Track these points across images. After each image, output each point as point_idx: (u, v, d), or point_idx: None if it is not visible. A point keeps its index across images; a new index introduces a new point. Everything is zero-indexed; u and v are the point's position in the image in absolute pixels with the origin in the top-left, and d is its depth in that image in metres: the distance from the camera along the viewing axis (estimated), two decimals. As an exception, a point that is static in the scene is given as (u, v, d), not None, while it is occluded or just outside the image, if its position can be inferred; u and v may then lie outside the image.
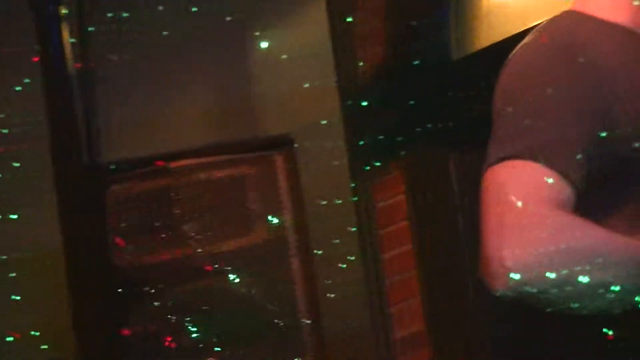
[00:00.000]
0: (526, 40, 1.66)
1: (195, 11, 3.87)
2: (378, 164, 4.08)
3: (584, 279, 1.40)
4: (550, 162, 1.46)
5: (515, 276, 1.39)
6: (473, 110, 3.51)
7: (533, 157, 1.47)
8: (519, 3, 3.77)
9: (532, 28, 3.59)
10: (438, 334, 3.89)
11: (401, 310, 4.03)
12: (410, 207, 3.98)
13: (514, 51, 1.66)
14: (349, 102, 4.02)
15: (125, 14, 3.84)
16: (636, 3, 1.69)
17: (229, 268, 4.13)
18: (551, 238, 1.41)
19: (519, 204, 1.43)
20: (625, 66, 1.61)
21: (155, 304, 4.08)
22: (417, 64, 3.89)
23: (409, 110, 3.85)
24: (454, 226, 3.81)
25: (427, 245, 3.92)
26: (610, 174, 1.54)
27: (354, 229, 4.07)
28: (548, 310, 1.45)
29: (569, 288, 1.40)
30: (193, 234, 4.22)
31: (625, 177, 1.55)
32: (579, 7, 1.69)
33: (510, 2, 3.81)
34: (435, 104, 3.81)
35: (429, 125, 3.81)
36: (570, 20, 1.67)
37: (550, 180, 1.45)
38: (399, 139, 3.93)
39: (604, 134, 1.53)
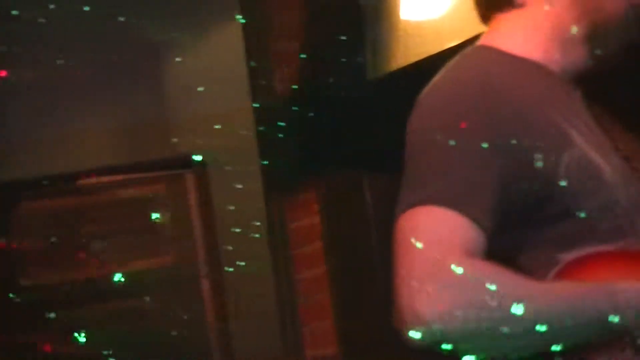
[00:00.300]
0: (436, 79, 1.62)
1: (109, 29, 3.83)
2: (292, 183, 4.06)
3: (497, 328, 1.40)
4: (460, 208, 1.45)
5: (428, 326, 1.38)
6: (388, 131, 3.51)
7: (443, 203, 1.46)
8: (435, 24, 3.77)
9: (449, 50, 3.61)
10: (350, 357, 3.87)
11: (314, 331, 4.01)
12: (325, 227, 3.96)
13: (424, 91, 1.61)
14: (263, 121, 4.00)
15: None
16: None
17: (138, 288, 4.11)
18: (463, 287, 1.40)
19: (430, 252, 1.42)
20: (538, 103, 1.59)
21: (59, 322, 4.04)
22: (332, 84, 3.88)
23: (324, 130, 3.84)
24: (368, 247, 3.79)
25: (340, 267, 3.90)
26: (519, 215, 1.53)
27: (266, 249, 4.03)
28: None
29: (483, 336, 1.40)
30: (101, 252, 4.19)
31: (534, 218, 1.54)
32: (491, 42, 1.67)
33: (426, 23, 3.81)
34: (350, 123, 3.80)
35: (344, 146, 3.80)
36: (481, 57, 1.65)
37: (461, 226, 1.45)
38: (314, 158, 3.91)
39: (516, 174, 1.52)
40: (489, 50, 1.65)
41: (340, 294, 3.90)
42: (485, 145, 1.49)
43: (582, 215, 1.54)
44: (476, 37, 1.72)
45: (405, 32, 3.79)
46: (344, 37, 3.90)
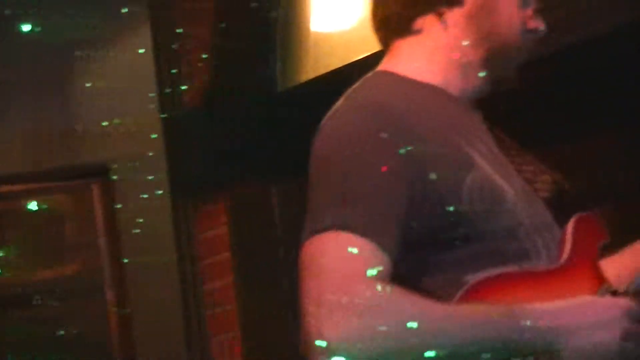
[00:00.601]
0: (338, 104, 1.63)
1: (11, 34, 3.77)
2: (201, 193, 4.06)
3: (405, 352, 1.42)
4: (366, 234, 1.46)
5: (335, 351, 1.39)
6: (298, 141, 3.53)
7: (349, 229, 1.46)
8: (344, 37, 3.81)
9: (357, 62, 3.63)
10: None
11: (221, 342, 4.01)
12: (233, 238, 3.96)
13: (326, 117, 1.62)
14: (171, 131, 3.99)
15: None
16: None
17: (41, 296, 4.08)
18: (370, 312, 1.42)
19: (337, 277, 1.43)
20: (440, 127, 1.62)
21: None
22: (242, 95, 3.90)
23: (233, 141, 3.84)
24: (275, 258, 3.80)
25: (248, 277, 3.90)
26: (424, 238, 1.55)
27: (173, 259, 4.03)
28: None
29: (395, 351, 1.41)
30: (5, 261, 4.15)
31: (438, 241, 1.56)
32: (391, 68, 1.68)
33: (335, 36, 3.84)
34: (259, 134, 3.82)
35: (252, 156, 3.82)
36: (382, 83, 1.66)
37: (368, 252, 1.46)
38: (222, 168, 3.91)
39: (420, 198, 1.54)
40: (390, 75, 1.66)
41: (247, 305, 3.91)
42: (388, 170, 1.51)
43: (486, 238, 1.57)
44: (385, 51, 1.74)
45: (316, 43, 3.82)
46: (254, 48, 3.92)
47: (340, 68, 3.69)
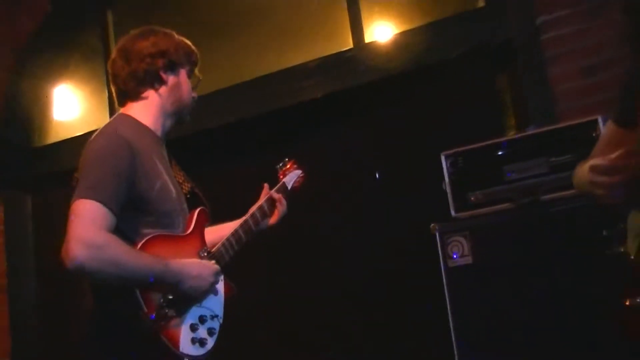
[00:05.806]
0: (100, 129, 2.65)
1: None
2: None
3: (115, 270, 2.43)
4: (103, 201, 2.45)
5: (80, 264, 2.37)
6: None
7: (94, 198, 2.45)
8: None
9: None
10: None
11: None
12: None
13: (93, 135, 2.63)
14: None
15: None
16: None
17: None
18: (100, 247, 2.39)
19: (85, 225, 2.41)
20: (148, 150, 2.64)
21: None
22: None
23: None
24: None
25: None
26: (132, 209, 2.55)
27: None
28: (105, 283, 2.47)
29: (106, 273, 2.41)
30: None
31: (138, 211, 2.60)
32: (127, 112, 2.77)
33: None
34: None
35: None
36: (120, 119, 2.72)
37: (102, 212, 2.45)
38: None
39: (134, 186, 2.54)
40: (127, 117, 2.76)
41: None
42: (120, 169, 2.53)
43: (159, 214, 2.63)
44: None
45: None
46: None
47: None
